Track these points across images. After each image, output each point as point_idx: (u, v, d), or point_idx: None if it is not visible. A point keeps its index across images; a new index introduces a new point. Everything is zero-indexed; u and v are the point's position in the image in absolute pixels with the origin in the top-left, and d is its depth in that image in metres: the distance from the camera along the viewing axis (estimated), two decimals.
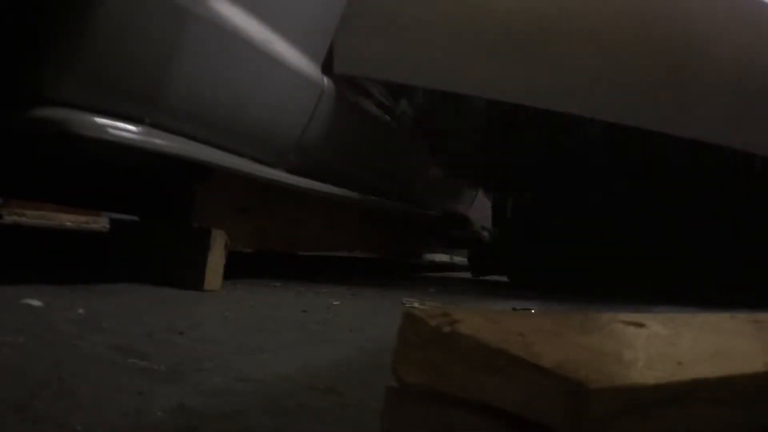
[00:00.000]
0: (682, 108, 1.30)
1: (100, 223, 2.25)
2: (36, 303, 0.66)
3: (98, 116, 0.77)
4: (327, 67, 1.21)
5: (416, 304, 1.06)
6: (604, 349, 0.30)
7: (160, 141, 0.85)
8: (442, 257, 2.92)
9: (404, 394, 0.31)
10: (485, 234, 2.20)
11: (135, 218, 1.09)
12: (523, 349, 0.27)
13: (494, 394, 0.27)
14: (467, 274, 2.38)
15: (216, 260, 0.96)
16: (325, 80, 1.20)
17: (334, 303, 0.99)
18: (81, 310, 0.66)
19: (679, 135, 1.30)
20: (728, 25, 1.32)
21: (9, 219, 2.06)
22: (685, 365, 0.29)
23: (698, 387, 0.28)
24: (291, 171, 1.19)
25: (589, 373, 0.26)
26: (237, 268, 1.04)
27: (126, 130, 0.80)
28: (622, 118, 1.35)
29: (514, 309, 1.02)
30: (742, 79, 1.31)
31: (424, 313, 0.31)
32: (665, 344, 0.34)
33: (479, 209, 2.47)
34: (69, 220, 2.36)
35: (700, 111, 1.30)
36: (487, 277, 2.13)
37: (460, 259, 3.03)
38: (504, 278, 1.98)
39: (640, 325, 0.36)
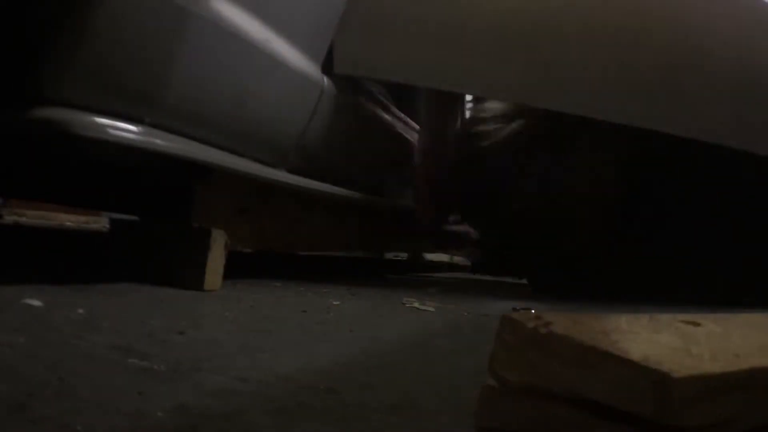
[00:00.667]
0: (681, 107, 1.29)
1: (100, 223, 2.25)
2: (36, 303, 0.66)
3: (98, 116, 0.77)
4: (327, 67, 1.21)
5: (416, 304, 1.06)
6: (674, 344, 0.34)
7: (160, 141, 0.85)
8: (441, 257, 2.92)
9: (501, 391, 0.35)
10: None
11: (135, 218, 1.09)
12: (611, 346, 0.31)
13: (586, 387, 0.31)
14: (466, 274, 2.38)
15: (216, 260, 0.96)
16: (325, 80, 1.20)
17: (334, 303, 0.99)
18: (81, 310, 0.66)
19: (679, 135, 1.29)
20: (729, 24, 1.32)
21: (9, 219, 2.06)
22: (741, 357, 0.34)
23: (755, 375, 0.32)
24: (291, 171, 1.19)
25: (670, 365, 0.30)
26: (237, 268, 1.04)
27: (126, 130, 0.80)
28: (621, 118, 1.35)
29: (513, 309, 1.02)
30: (743, 78, 1.30)
31: (521, 317, 0.35)
32: (720, 340, 0.38)
33: None
34: (69, 220, 2.36)
35: (700, 110, 1.29)
36: (490, 277, 2.13)
37: (458, 259, 3.03)
38: (500, 278, 1.98)
39: (697, 324, 0.40)
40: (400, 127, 1.71)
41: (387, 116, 1.62)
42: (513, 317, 0.35)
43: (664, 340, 0.35)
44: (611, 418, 0.31)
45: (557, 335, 0.33)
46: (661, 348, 0.33)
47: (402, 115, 1.75)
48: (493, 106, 1.60)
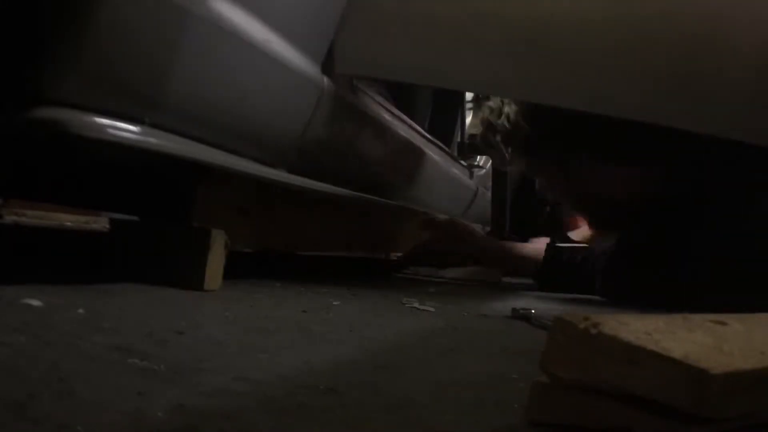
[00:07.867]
0: (698, 102, 1.24)
1: (100, 223, 2.25)
2: (36, 303, 0.66)
3: (98, 116, 0.77)
4: (327, 67, 1.21)
5: (416, 304, 1.06)
6: (707, 343, 0.37)
7: (161, 141, 0.85)
8: None
9: (552, 387, 0.38)
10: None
11: (135, 218, 1.09)
12: (655, 345, 0.34)
13: (632, 383, 0.34)
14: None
15: (216, 260, 0.96)
16: (325, 80, 1.20)
17: (334, 303, 0.99)
18: (81, 310, 0.66)
19: (695, 131, 1.25)
20: (747, 13, 1.27)
21: (9, 219, 2.06)
22: (766, 354, 0.37)
23: None
24: (291, 171, 1.19)
25: (707, 362, 0.32)
26: (237, 268, 1.04)
27: (126, 130, 0.80)
28: (634, 114, 1.30)
29: (513, 309, 1.02)
30: (764, 71, 1.24)
31: (572, 318, 0.37)
32: (746, 338, 0.41)
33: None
34: (69, 220, 2.36)
35: (717, 105, 1.24)
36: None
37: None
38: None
39: (724, 323, 0.43)
40: (400, 127, 1.71)
41: (387, 116, 1.62)
42: (565, 319, 0.38)
43: (699, 339, 0.38)
44: (652, 412, 0.34)
45: (606, 335, 0.35)
46: (697, 346, 0.36)
47: (402, 116, 1.75)
48: None
